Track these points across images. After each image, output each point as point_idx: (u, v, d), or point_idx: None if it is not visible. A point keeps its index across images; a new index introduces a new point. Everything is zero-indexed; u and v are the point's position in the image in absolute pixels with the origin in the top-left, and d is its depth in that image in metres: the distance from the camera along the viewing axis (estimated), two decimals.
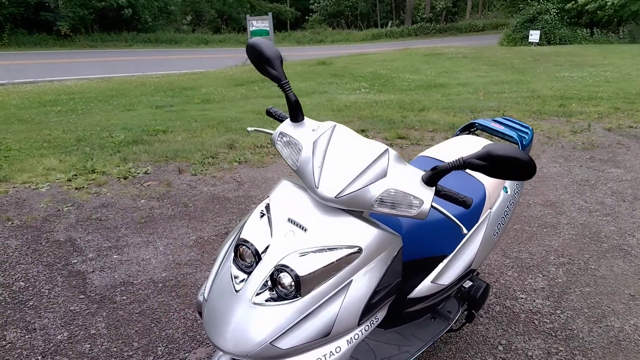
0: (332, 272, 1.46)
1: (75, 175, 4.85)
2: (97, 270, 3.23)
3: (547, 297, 2.98)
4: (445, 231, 2.06)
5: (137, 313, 2.81)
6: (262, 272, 1.45)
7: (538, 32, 24.52)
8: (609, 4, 24.94)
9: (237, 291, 1.47)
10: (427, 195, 1.47)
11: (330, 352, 1.50)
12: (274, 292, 1.45)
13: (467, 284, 2.40)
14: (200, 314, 1.72)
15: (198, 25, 39.38)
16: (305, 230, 1.48)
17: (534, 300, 2.95)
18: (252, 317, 1.43)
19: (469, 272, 2.21)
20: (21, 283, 3.07)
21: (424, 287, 2.03)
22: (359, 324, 1.53)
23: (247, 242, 1.50)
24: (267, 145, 6.02)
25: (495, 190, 2.30)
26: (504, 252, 3.48)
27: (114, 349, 2.54)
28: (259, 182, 4.82)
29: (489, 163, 1.38)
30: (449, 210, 1.59)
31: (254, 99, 9.52)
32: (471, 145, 2.46)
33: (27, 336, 2.62)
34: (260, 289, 1.45)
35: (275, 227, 1.51)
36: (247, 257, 1.50)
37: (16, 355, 2.48)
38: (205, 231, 3.79)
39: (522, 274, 3.23)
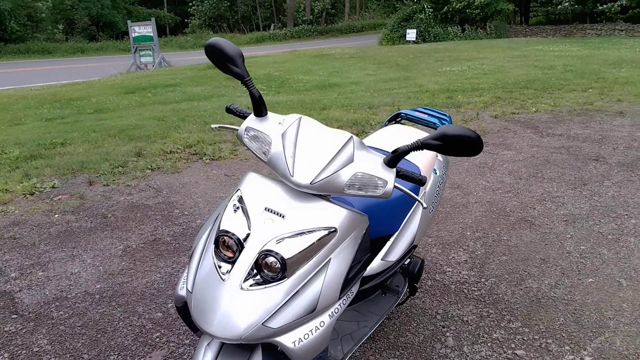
0: (313, 253, 1.56)
1: None
2: (25, 289, 3.08)
3: (470, 268, 3.26)
4: (392, 211, 2.23)
5: (79, 326, 2.73)
6: (246, 259, 1.52)
7: (414, 30, 25.95)
8: (476, 2, 26.96)
9: (223, 280, 1.53)
10: (390, 176, 1.62)
11: (316, 326, 1.60)
12: (260, 277, 1.52)
13: (406, 261, 2.59)
14: (178, 309, 1.76)
15: (71, 34, 37.40)
16: (283, 216, 1.57)
17: (460, 272, 3.22)
18: (242, 302, 1.49)
19: (412, 248, 2.40)
20: None
21: (375, 265, 2.18)
22: (339, 298, 1.65)
23: (228, 232, 1.56)
24: (177, 150, 5.95)
25: (428, 172, 2.51)
26: (426, 231, 3.75)
27: None
28: (177, 188, 4.77)
29: (443, 142, 1.55)
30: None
31: (150, 106, 9.29)
32: (402, 133, 2.67)
33: None
34: (247, 275, 1.52)
35: (253, 217, 1.58)
36: (229, 247, 1.56)
37: None
38: (132, 240, 3.71)
39: (445, 249, 3.51)
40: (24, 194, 4.61)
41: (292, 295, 1.53)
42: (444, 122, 2.82)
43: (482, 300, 2.94)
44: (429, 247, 3.54)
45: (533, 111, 7.84)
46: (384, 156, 1.66)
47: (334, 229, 1.59)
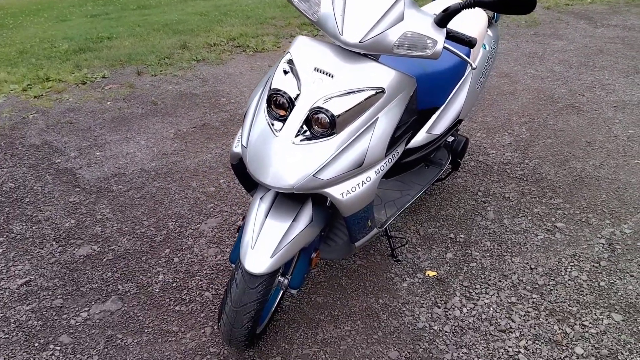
0: (361, 111, 1.61)
1: (30, 84, 4.70)
2: (85, 166, 3.28)
3: (514, 150, 3.28)
4: (439, 82, 2.24)
5: (138, 198, 2.92)
6: (298, 116, 1.59)
7: None
8: None
9: (276, 136, 1.61)
10: (439, 36, 1.62)
11: (363, 181, 1.69)
12: (310, 134, 1.59)
13: (450, 138, 2.63)
14: (233, 166, 1.87)
15: None
16: (332, 76, 1.61)
17: (504, 154, 3.25)
18: (294, 155, 1.58)
19: (457, 122, 2.43)
20: (10, 184, 3.09)
21: (420, 137, 2.23)
22: (385, 156, 1.72)
23: (280, 90, 1.62)
24: (220, 43, 5.95)
25: (477, 46, 2.48)
26: (471, 118, 3.74)
27: (126, 228, 2.66)
28: (222, 78, 4.83)
29: None
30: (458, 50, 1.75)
31: (192, 1, 9.19)
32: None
33: (34, 227, 2.69)
34: (298, 131, 1.59)
35: (303, 77, 1.63)
36: (281, 105, 1.63)
37: (29, 244, 2.57)
38: (182, 125, 3.84)
39: (490, 134, 3.52)
40: (76, 83, 4.76)
41: (341, 150, 1.60)
42: None
43: (525, 179, 2.98)
44: (474, 131, 3.55)
45: (588, 2, 7.42)
46: (435, 16, 1.65)
47: (382, 89, 1.63)
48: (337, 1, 1.65)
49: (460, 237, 2.53)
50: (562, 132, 3.50)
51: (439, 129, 2.30)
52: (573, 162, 3.12)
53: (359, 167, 1.65)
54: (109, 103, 4.29)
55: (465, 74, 2.42)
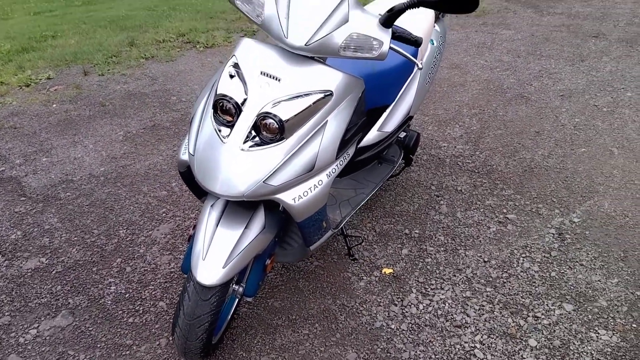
0: (309, 115, 1.59)
1: None
2: (30, 174, 3.16)
3: (466, 143, 3.33)
4: (387, 81, 2.24)
5: (87, 205, 2.83)
6: (245, 121, 1.56)
7: None
8: None
9: (224, 142, 1.57)
10: (385, 37, 1.61)
11: (314, 185, 1.67)
12: (258, 139, 1.57)
13: (402, 134, 2.64)
14: (181, 174, 1.82)
15: None
16: (279, 80, 1.58)
17: (455, 147, 3.29)
18: (243, 162, 1.54)
19: (408, 119, 2.44)
20: None
21: (372, 135, 2.23)
22: (336, 158, 1.71)
23: (226, 96, 1.58)
24: (170, 39, 5.83)
25: (424, 42, 2.49)
26: (422, 111, 3.77)
27: (75, 238, 2.58)
28: (173, 76, 4.73)
29: None
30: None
31: None
32: None
33: None
34: (246, 137, 1.56)
35: (249, 81, 1.59)
36: (227, 111, 1.59)
37: None
38: (132, 126, 3.75)
39: (441, 126, 3.55)
40: (19, 85, 4.58)
41: (291, 155, 1.58)
42: None
43: (476, 171, 3.02)
44: (426, 125, 3.59)
45: None
46: (380, 16, 1.64)
47: (330, 92, 1.61)
48: (281, 3, 1.62)
49: (415, 233, 2.55)
50: (511, 122, 3.56)
51: (390, 127, 2.31)
52: (522, 153, 3.18)
53: (310, 171, 1.63)
54: (54, 105, 4.15)
55: (414, 72, 2.43)
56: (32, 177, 3.12)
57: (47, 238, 2.59)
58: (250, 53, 1.66)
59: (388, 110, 2.31)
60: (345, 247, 2.44)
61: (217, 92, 1.60)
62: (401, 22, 2.35)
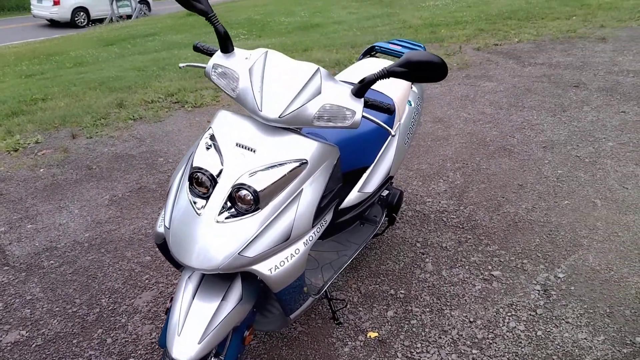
0: (284, 184, 1.61)
1: None
2: (15, 242, 3.14)
3: (450, 198, 3.34)
4: (366, 144, 2.27)
5: (70, 273, 2.81)
6: (220, 193, 1.57)
7: None
8: None
9: (199, 214, 1.57)
10: (358, 106, 1.65)
11: (291, 254, 1.67)
12: (234, 210, 1.57)
13: (384, 192, 2.65)
14: (159, 246, 1.82)
15: None
16: (254, 151, 1.60)
17: (440, 202, 3.30)
18: (218, 234, 1.55)
19: (388, 179, 2.46)
20: None
21: (352, 196, 2.24)
22: (312, 226, 1.71)
23: (202, 169, 1.60)
24: (158, 100, 5.91)
25: (402, 103, 2.54)
26: (406, 166, 3.81)
27: (57, 309, 2.54)
28: (160, 137, 4.77)
29: (409, 69, 1.56)
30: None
31: (130, 57, 9.16)
32: (375, 65, 2.67)
33: None
34: (221, 209, 1.57)
35: (225, 153, 1.62)
36: (203, 183, 1.60)
37: None
38: (118, 189, 3.75)
39: (426, 181, 3.58)
40: (7, 150, 4.60)
41: (267, 225, 1.59)
42: None
43: (461, 226, 3.03)
44: (410, 180, 3.61)
45: (516, 42, 7.79)
46: (352, 87, 1.68)
47: (304, 161, 1.63)
48: (254, 77, 1.66)
49: (401, 293, 2.53)
50: (494, 175, 3.60)
51: (371, 187, 2.33)
52: (506, 207, 3.20)
53: (286, 240, 1.63)
54: (41, 170, 4.16)
55: (390, 136, 2.47)
56: (16, 245, 3.10)
57: (28, 309, 2.55)
58: (227, 124, 1.69)
59: (368, 172, 2.33)
60: (330, 311, 2.41)
61: (193, 165, 1.62)
62: (379, 85, 2.42)
